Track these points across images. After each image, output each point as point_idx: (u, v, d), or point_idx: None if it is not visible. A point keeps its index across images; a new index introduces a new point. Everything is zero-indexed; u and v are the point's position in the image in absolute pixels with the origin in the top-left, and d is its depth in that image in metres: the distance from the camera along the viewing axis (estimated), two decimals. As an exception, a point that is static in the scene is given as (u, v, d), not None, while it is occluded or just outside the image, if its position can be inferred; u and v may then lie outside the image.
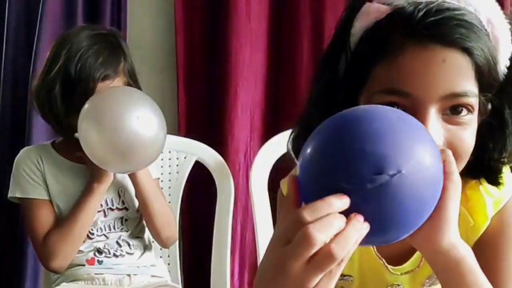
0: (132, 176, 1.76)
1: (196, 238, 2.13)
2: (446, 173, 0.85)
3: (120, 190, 1.83)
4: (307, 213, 0.77)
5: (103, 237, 1.81)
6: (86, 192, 1.75)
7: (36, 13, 2.35)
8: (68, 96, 1.71)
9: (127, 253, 1.82)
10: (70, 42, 1.73)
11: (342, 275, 1.14)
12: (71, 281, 1.79)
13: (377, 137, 0.78)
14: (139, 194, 1.79)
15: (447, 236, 0.88)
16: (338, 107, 0.87)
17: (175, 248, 1.96)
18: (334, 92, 1.00)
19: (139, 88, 1.80)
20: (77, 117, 1.65)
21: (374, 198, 0.78)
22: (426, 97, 0.90)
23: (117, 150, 1.61)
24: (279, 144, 1.98)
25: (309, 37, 2.28)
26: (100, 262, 1.80)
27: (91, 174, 1.74)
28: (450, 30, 0.91)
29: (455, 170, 0.87)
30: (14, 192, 1.81)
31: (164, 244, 1.88)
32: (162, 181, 1.94)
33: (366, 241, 0.79)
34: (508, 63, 0.98)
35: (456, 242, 0.89)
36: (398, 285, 1.13)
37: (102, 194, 1.75)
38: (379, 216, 0.79)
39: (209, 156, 2.01)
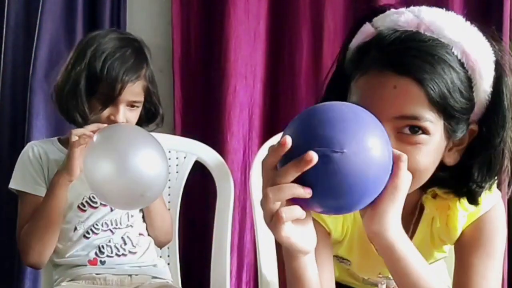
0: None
1: (196, 238, 2.14)
2: (395, 169, 1.01)
3: None
4: (276, 176, 0.99)
5: (108, 233, 1.81)
6: (53, 183, 1.73)
7: (36, 13, 2.37)
8: (91, 93, 1.74)
9: (130, 252, 1.82)
10: (97, 42, 1.78)
11: (342, 258, 1.32)
12: (72, 280, 1.80)
13: (328, 123, 0.99)
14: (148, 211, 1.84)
15: (379, 221, 1.03)
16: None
17: (175, 247, 1.98)
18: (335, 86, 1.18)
19: (156, 92, 1.84)
20: (94, 116, 1.72)
21: (320, 171, 0.97)
22: (379, 116, 1.02)
23: (133, 196, 1.63)
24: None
25: (308, 36, 2.29)
26: (102, 263, 1.80)
27: (62, 166, 1.73)
28: (405, 60, 1.04)
29: (404, 169, 1.01)
30: (13, 183, 1.83)
31: (160, 245, 1.92)
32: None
33: (314, 206, 1.02)
34: (488, 90, 1.08)
35: (387, 229, 1.04)
36: (388, 277, 1.27)
37: (67, 188, 1.72)
38: (323, 185, 0.99)
39: (209, 156, 2.02)
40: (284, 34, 2.32)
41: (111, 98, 1.73)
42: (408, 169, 1.02)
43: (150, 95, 1.83)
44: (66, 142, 1.82)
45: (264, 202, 1.01)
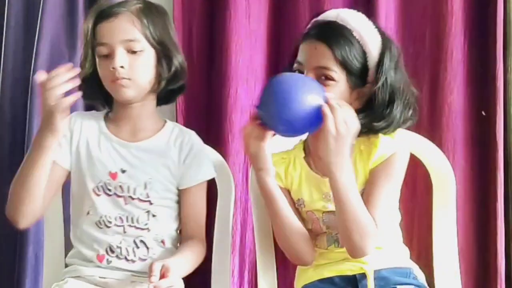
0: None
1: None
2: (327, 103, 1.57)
3: (147, 182, 1.77)
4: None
5: (121, 230, 1.76)
6: (38, 144, 1.68)
7: (36, 13, 2.38)
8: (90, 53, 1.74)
9: (140, 258, 1.77)
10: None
11: (298, 199, 1.83)
12: (76, 276, 1.78)
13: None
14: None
15: (320, 146, 1.60)
16: None
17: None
18: None
19: (171, 39, 1.78)
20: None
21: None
22: (307, 67, 1.71)
23: None
24: (279, 144, 2.02)
25: None
26: (109, 262, 1.77)
27: (43, 123, 1.66)
28: (322, 33, 1.72)
29: (334, 101, 1.57)
30: None
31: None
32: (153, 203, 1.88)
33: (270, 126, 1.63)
34: (376, 59, 1.74)
35: (325, 155, 1.60)
36: (330, 193, 1.71)
37: (46, 146, 1.66)
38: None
39: (208, 154, 2.02)
40: (284, 37, 2.34)
41: (103, 44, 1.67)
42: None
43: (154, 37, 1.73)
44: (110, 119, 1.82)
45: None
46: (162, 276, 1.60)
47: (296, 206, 1.83)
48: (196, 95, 2.33)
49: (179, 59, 1.79)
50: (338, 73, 1.70)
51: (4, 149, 2.40)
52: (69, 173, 1.82)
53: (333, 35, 1.71)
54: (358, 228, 1.65)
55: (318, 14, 1.83)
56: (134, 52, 1.69)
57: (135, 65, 1.68)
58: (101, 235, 1.77)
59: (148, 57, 1.72)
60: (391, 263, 1.78)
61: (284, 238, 1.79)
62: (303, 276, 1.85)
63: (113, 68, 1.67)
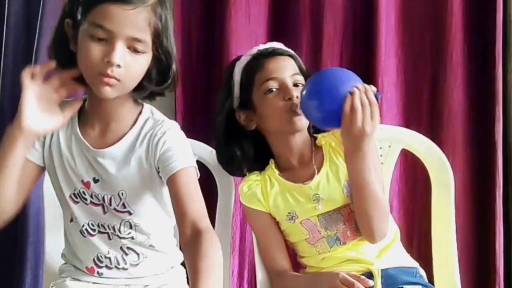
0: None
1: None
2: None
3: (121, 192, 1.62)
4: None
5: (105, 237, 1.65)
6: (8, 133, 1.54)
7: (36, 13, 2.38)
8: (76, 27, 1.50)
9: (132, 264, 1.67)
10: None
11: (288, 214, 1.84)
12: (74, 279, 1.72)
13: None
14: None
15: (346, 128, 1.66)
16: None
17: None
18: (229, 105, 1.89)
19: (171, 45, 1.54)
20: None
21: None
22: (284, 76, 1.83)
23: None
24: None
25: (308, 39, 2.33)
26: (100, 274, 1.67)
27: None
28: (281, 50, 1.90)
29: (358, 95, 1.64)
30: None
31: None
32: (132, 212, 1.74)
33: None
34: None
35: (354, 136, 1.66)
36: (317, 194, 1.81)
37: (15, 141, 1.51)
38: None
39: (209, 154, 2.05)
40: (284, 37, 2.28)
41: (103, 28, 1.43)
42: None
43: (161, 40, 1.51)
44: (82, 118, 1.63)
45: None
46: None
47: (287, 223, 1.85)
48: (196, 95, 2.35)
49: (174, 68, 1.58)
50: (302, 78, 1.85)
51: (4, 149, 2.40)
52: (43, 169, 1.68)
53: (286, 50, 1.91)
54: (380, 212, 1.73)
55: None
56: (135, 51, 1.48)
57: (131, 66, 1.48)
58: (86, 245, 1.66)
59: (146, 60, 1.52)
60: (397, 262, 1.81)
61: None
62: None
63: (108, 62, 1.45)
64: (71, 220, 1.67)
